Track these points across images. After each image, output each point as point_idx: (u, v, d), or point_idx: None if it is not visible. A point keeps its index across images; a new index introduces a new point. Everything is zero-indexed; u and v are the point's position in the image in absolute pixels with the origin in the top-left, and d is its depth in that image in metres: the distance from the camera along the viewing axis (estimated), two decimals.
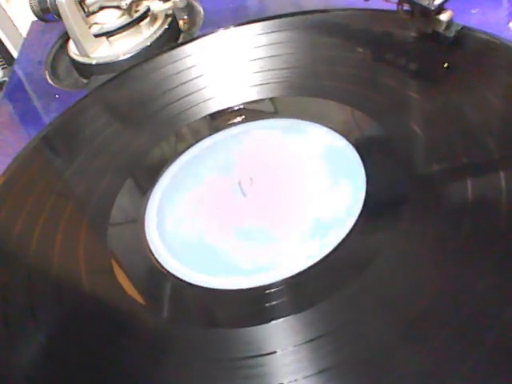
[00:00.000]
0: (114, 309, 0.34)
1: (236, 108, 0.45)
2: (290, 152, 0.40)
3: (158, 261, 0.36)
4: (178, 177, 0.42)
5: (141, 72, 0.52)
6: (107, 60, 0.55)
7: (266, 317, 0.30)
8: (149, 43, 0.55)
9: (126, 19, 0.55)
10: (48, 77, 0.58)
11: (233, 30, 0.52)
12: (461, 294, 0.27)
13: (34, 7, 0.54)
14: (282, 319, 0.29)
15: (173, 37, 0.57)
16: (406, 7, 0.42)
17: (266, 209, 0.37)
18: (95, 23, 0.56)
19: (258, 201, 0.38)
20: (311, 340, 0.28)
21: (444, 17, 0.40)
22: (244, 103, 0.45)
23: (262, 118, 0.44)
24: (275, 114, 0.44)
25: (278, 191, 0.38)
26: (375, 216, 0.34)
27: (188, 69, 0.50)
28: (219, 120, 0.45)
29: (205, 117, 0.45)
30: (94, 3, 0.55)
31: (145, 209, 0.40)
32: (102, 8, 0.56)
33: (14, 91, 0.58)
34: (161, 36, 0.56)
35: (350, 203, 0.35)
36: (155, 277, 0.35)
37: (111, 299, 0.34)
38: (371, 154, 0.37)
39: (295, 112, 0.43)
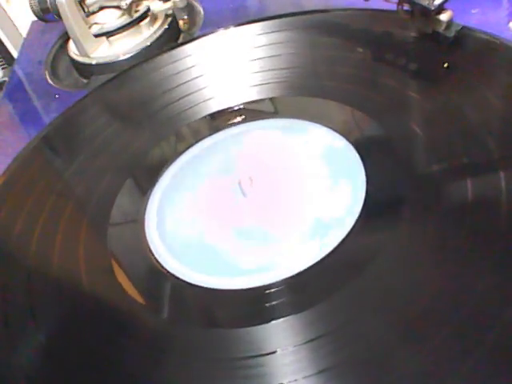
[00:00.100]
0: (113, 309, 0.34)
1: (236, 108, 0.45)
2: (290, 152, 0.40)
3: (157, 261, 0.36)
4: (178, 177, 0.42)
5: (141, 72, 0.52)
6: (107, 60, 0.55)
7: (266, 317, 0.30)
8: (149, 43, 0.55)
9: (125, 19, 0.55)
10: (48, 77, 0.58)
11: (233, 29, 0.52)
12: (461, 294, 0.27)
13: (34, 7, 0.54)
14: (281, 319, 0.29)
15: (173, 37, 0.57)
16: (406, 7, 0.42)
17: (266, 209, 0.37)
18: (95, 23, 0.56)
19: (258, 201, 0.38)
20: (311, 340, 0.28)
21: (444, 17, 0.40)
22: (244, 103, 0.45)
23: (262, 118, 0.44)
24: (275, 114, 0.44)
25: (277, 191, 0.38)
26: (375, 216, 0.34)
27: (188, 69, 0.50)
28: (219, 120, 0.45)
29: (205, 117, 0.45)
30: (94, 3, 0.55)
31: (145, 209, 0.40)
32: (102, 8, 0.56)
33: (14, 91, 0.58)
34: (161, 36, 0.56)
35: (349, 203, 0.35)
36: (155, 277, 0.35)
37: (111, 299, 0.34)
38: (371, 153, 0.37)
39: (295, 112, 0.43)
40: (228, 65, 0.49)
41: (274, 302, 0.31)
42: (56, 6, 0.52)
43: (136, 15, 0.55)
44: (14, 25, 0.77)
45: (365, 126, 0.40)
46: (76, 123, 0.49)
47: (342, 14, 0.50)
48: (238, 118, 0.44)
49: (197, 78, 0.49)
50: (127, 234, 0.39)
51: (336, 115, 0.42)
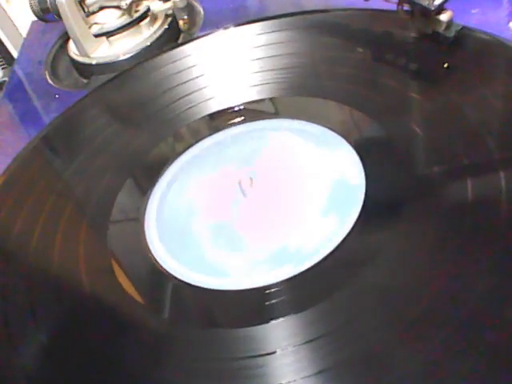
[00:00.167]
0: (113, 309, 0.34)
1: (236, 108, 0.45)
2: (290, 152, 0.40)
3: (157, 261, 0.36)
4: (178, 177, 0.42)
5: (141, 72, 0.52)
6: (107, 60, 0.55)
7: (266, 317, 0.30)
8: (149, 43, 0.55)
9: (126, 19, 0.55)
10: (48, 77, 0.58)
11: (233, 29, 0.52)
12: (461, 294, 0.27)
13: (34, 7, 0.54)
14: (281, 319, 0.29)
15: (173, 37, 0.57)
16: (406, 7, 0.42)
17: (266, 209, 0.37)
18: (95, 23, 0.56)
19: (258, 201, 0.38)
20: (311, 340, 0.28)
21: (444, 17, 0.40)
22: (244, 103, 0.45)
23: (262, 118, 0.44)
24: (275, 114, 0.44)
25: (278, 191, 0.38)
26: (375, 216, 0.34)
27: (188, 69, 0.50)
28: (219, 120, 0.45)
29: (205, 117, 0.45)
30: (94, 3, 0.55)
31: (145, 209, 0.40)
32: (102, 8, 0.56)
33: (14, 91, 0.58)
34: (161, 36, 0.56)
35: (349, 203, 0.35)
36: (155, 277, 0.35)
37: (111, 299, 0.34)
38: (371, 154, 0.37)
39: (295, 112, 0.43)
40: (228, 65, 0.49)
41: (273, 302, 0.31)
42: (56, 5, 0.52)
43: (136, 15, 0.55)
44: (14, 25, 0.77)
45: (365, 126, 0.40)
46: (76, 123, 0.49)
47: (341, 14, 0.50)
48: (238, 118, 0.44)
49: (197, 77, 0.49)
50: (127, 234, 0.39)
51: (336, 115, 0.42)
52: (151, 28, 0.56)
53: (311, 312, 0.29)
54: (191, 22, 0.58)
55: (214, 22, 0.55)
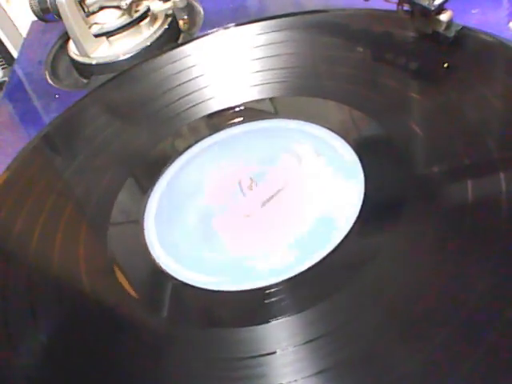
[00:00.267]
0: (113, 309, 0.34)
1: (236, 108, 0.45)
2: (290, 152, 0.40)
3: (157, 261, 0.36)
4: (179, 177, 0.42)
5: (141, 72, 0.52)
6: (107, 60, 0.55)
7: (266, 317, 0.30)
8: (149, 43, 0.55)
9: (126, 19, 0.55)
10: (48, 77, 0.58)
11: (233, 29, 0.52)
12: (461, 294, 0.27)
13: (34, 7, 0.54)
14: (281, 319, 0.29)
15: (173, 37, 0.57)
16: (406, 7, 0.42)
17: (266, 209, 0.37)
18: (95, 23, 0.56)
19: (258, 201, 0.38)
20: (311, 340, 0.28)
21: (444, 17, 0.40)
22: (244, 103, 0.45)
23: (262, 118, 0.44)
24: (275, 114, 0.44)
25: (278, 191, 0.38)
26: (375, 216, 0.34)
27: (188, 69, 0.50)
28: (219, 120, 0.45)
29: (205, 117, 0.45)
30: (94, 3, 0.55)
31: (145, 209, 0.40)
32: (102, 8, 0.56)
33: (14, 91, 0.58)
34: (161, 36, 0.56)
35: (349, 203, 0.35)
36: (155, 277, 0.35)
37: (111, 299, 0.34)
38: (371, 154, 0.37)
39: (295, 112, 0.43)
40: (228, 65, 0.49)
41: (273, 302, 0.31)
42: (56, 5, 0.52)
43: (136, 15, 0.55)
44: (14, 25, 0.77)
45: (364, 125, 0.40)
46: (76, 123, 0.49)
47: (341, 14, 0.50)
48: (238, 118, 0.44)
49: (197, 77, 0.49)
50: (127, 234, 0.39)
51: (336, 115, 0.42)
52: (151, 28, 0.56)
53: (311, 312, 0.29)
54: (191, 21, 0.58)
55: (214, 22, 0.55)
